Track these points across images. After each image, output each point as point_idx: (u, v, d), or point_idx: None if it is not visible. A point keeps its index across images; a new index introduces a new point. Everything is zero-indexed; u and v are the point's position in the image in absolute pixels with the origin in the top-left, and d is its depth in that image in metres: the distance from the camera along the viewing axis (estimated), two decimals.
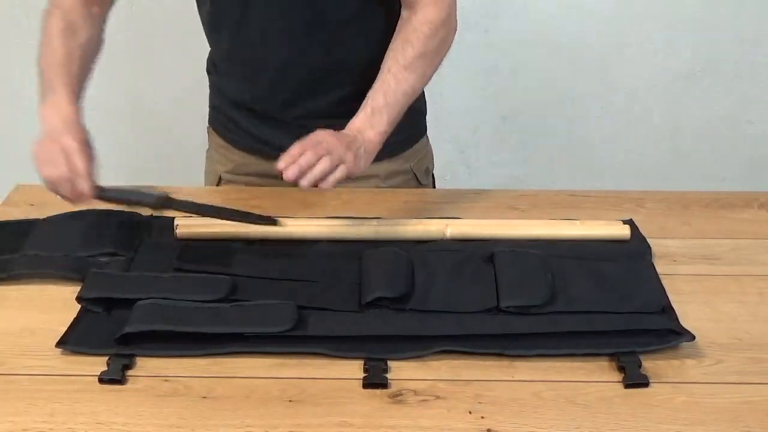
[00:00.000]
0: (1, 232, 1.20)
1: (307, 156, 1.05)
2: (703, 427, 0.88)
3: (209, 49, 1.40)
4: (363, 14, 1.24)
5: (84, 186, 1.06)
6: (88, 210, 1.23)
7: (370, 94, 1.18)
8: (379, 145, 1.16)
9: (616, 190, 1.36)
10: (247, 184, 1.41)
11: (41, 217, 1.22)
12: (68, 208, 1.24)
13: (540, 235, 1.18)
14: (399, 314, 1.03)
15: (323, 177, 1.06)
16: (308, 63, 1.27)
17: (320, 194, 1.35)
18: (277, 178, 1.39)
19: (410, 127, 1.41)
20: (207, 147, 1.50)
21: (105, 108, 2.31)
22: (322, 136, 1.09)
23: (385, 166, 1.38)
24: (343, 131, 1.14)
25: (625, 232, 1.19)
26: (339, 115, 1.29)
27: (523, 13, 2.22)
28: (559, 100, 2.35)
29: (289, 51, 1.24)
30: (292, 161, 1.05)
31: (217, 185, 1.44)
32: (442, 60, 1.24)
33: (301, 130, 1.34)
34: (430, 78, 1.23)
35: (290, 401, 0.91)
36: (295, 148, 1.06)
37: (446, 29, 1.22)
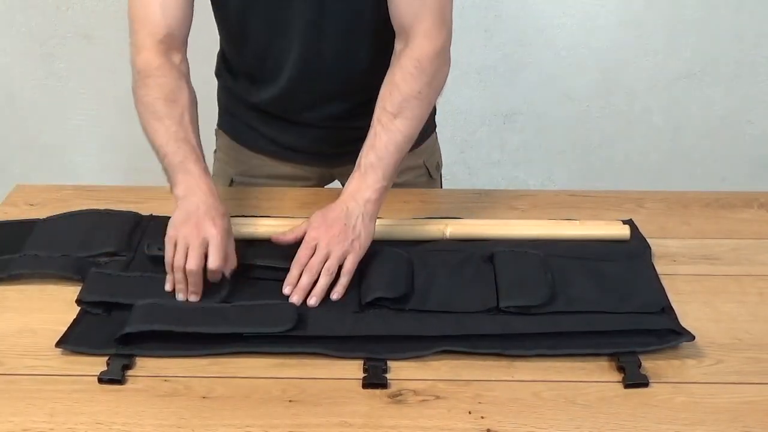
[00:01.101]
0: (1, 232, 1.20)
1: (305, 278, 1.05)
2: (703, 427, 0.88)
3: (216, 52, 1.39)
4: (386, 24, 1.21)
5: (197, 287, 1.03)
6: (88, 210, 1.23)
7: (363, 150, 1.13)
8: (380, 200, 1.12)
9: (616, 190, 1.36)
10: (259, 185, 1.40)
11: (41, 217, 1.22)
12: (67, 208, 1.25)
13: (540, 235, 1.18)
14: (399, 314, 1.03)
15: (326, 288, 1.05)
16: (329, 72, 1.25)
17: (320, 195, 1.35)
18: (292, 179, 1.40)
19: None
20: (214, 149, 1.49)
21: (108, 108, 2.32)
22: (314, 236, 1.06)
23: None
24: (336, 206, 1.10)
25: (625, 232, 1.19)
26: (355, 116, 1.29)
27: (523, 13, 2.22)
28: (559, 100, 2.35)
29: (312, 62, 1.23)
30: (293, 286, 1.05)
31: (230, 186, 1.43)
32: (437, 96, 1.19)
33: (317, 132, 1.34)
34: (425, 118, 1.17)
35: (290, 401, 0.91)
36: (294, 269, 1.05)
37: (437, 63, 1.15)
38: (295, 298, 1.04)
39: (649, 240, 1.19)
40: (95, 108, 2.33)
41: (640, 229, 1.21)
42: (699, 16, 2.21)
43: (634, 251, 1.16)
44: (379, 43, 1.23)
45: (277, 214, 1.24)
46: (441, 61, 1.16)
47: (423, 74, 1.13)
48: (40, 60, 2.25)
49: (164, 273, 1.07)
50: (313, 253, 1.06)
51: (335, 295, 1.05)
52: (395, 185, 1.41)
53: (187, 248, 1.03)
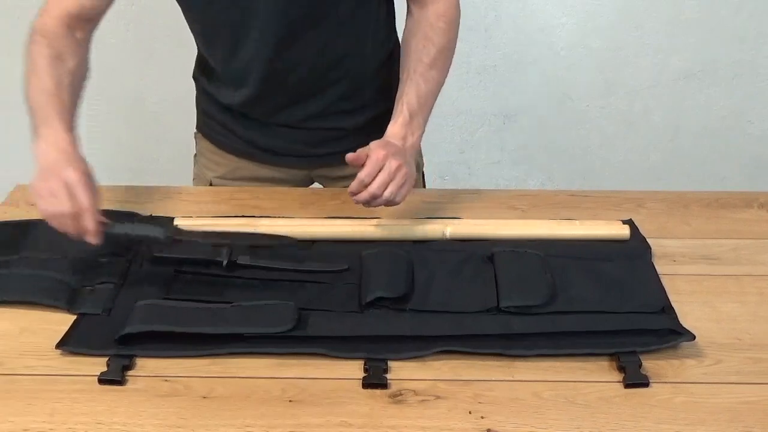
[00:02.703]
0: (1, 232, 1.20)
1: (374, 186, 1.10)
2: (703, 427, 0.88)
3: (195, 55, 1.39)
4: (356, 12, 1.24)
5: (89, 222, 1.03)
6: None
7: (403, 97, 1.20)
8: (418, 147, 1.20)
9: (616, 190, 1.36)
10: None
11: (41, 217, 1.22)
12: None
13: (540, 235, 1.18)
14: (399, 314, 1.03)
15: (391, 200, 1.11)
16: (302, 66, 1.26)
17: (320, 194, 1.35)
18: (271, 182, 1.40)
19: None
20: (194, 153, 1.49)
21: (104, 109, 2.32)
22: (382, 155, 1.11)
23: None
24: (391, 141, 1.16)
25: (624, 232, 1.19)
26: (331, 116, 1.30)
27: (523, 13, 2.22)
28: (559, 100, 2.35)
29: (284, 56, 1.24)
30: (363, 187, 1.10)
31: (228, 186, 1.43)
32: (455, 46, 1.27)
33: (293, 133, 1.34)
34: (450, 65, 1.26)
35: (290, 401, 0.91)
36: (363, 173, 1.10)
37: (458, 20, 1.26)
38: (361, 197, 1.10)
39: (649, 240, 1.19)
40: (95, 108, 2.32)
41: (640, 229, 1.21)
42: (699, 16, 2.21)
43: (634, 251, 1.16)
44: (354, 32, 1.25)
45: (277, 214, 1.24)
46: (459, 14, 1.26)
47: (450, 28, 1.24)
48: None
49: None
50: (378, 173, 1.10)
51: (397, 200, 1.12)
52: None
53: (55, 196, 1.03)
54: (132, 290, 1.06)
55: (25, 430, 0.87)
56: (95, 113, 2.33)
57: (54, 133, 1.09)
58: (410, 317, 1.02)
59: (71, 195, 1.03)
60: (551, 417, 0.89)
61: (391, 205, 1.14)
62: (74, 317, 1.02)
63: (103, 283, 1.08)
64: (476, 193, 1.34)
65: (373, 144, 1.13)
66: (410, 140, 1.18)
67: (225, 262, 1.10)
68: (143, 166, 2.39)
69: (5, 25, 2.21)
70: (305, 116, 1.32)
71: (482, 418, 0.89)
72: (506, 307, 1.03)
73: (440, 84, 1.24)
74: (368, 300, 1.03)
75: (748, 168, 2.44)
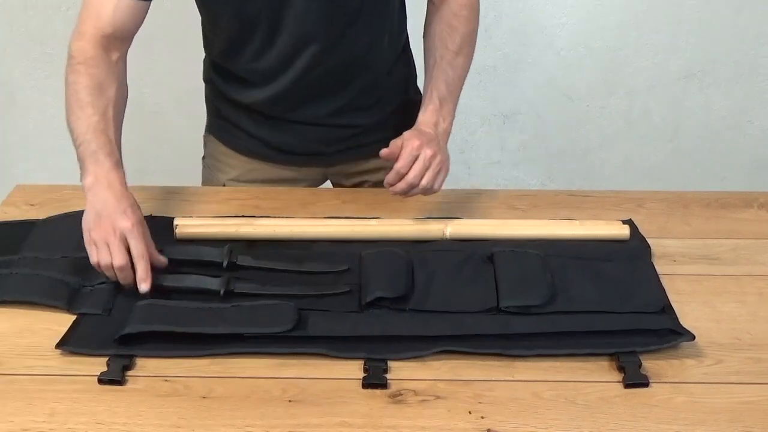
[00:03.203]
0: (1, 232, 1.20)
1: (411, 175, 1.12)
2: (703, 427, 0.88)
3: (204, 57, 1.39)
4: (379, 6, 1.26)
5: (142, 272, 1.03)
6: None
7: (432, 84, 1.23)
8: (450, 134, 1.22)
9: (616, 190, 1.36)
10: None
11: (41, 217, 1.22)
12: (67, 208, 1.24)
13: (540, 235, 1.18)
14: (399, 314, 1.03)
15: (429, 188, 1.13)
16: (328, 63, 1.26)
17: (320, 194, 1.35)
18: (285, 183, 1.40)
19: (415, 119, 1.43)
20: (202, 155, 1.48)
21: None
22: (416, 144, 1.12)
23: (376, 162, 1.39)
24: (423, 129, 1.18)
25: (624, 232, 1.19)
26: (349, 112, 1.30)
27: (523, 13, 2.22)
28: (559, 100, 2.35)
29: (313, 54, 1.23)
30: (400, 177, 1.12)
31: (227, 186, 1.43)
32: (476, 41, 1.30)
33: (311, 131, 1.34)
34: (474, 52, 1.29)
35: (290, 401, 0.91)
36: (399, 164, 1.11)
37: (478, 8, 1.29)
38: (399, 188, 1.12)
39: (649, 240, 1.19)
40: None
41: (640, 229, 1.21)
42: (699, 16, 2.21)
43: (634, 251, 1.16)
44: (377, 26, 1.26)
45: (277, 214, 1.24)
46: (479, 10, 1.29)
47: (473, 16, 1.28)
48: (40, 60, 2.25)
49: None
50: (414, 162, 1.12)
51: (433, 190, 1.14)
52: (379, 184, 1.41)
53: (108, 246, 1.03)
54: (132, 290, 1.06)
55: (25, 430, 0.87)
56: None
57: (103, 171, 1.08)
58: (410, 317, 1.02)
59: (124, 247, 1.03)
60: (551, 417, 0.89)
61: (428, 194, 1.16)
62: (74, 317, 1.02)
63: (103, 283, 1.08)
64: (476, 193, 1.34)
65: (407, 134, 1.15)
66: (442, 126, 1.20)
67: (225, 263, 1.10)
68: (143, 166, 2.38)
69: (5, 25, 2.21)
70: (325, 113, 1.32)
71: (482, 418, 0.89)
72: (506, 307, 1.03)
73: (466, 70, 1.27)
74: (368, 300, 1.03)
75: (748, 168, 2.44)
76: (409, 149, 1.12)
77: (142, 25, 1.22)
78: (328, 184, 1.49)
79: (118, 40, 1.19)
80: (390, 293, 1.04)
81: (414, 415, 0.89)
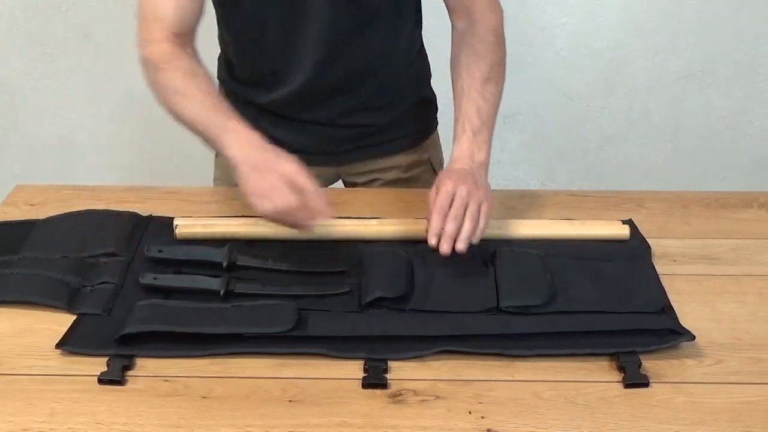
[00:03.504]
0: (1, 232, 1.20)
1: (451, 225, 1.05)
2: (703, 427, 0.88)
3: (217, 56, 1.38)
4: (396, 10, 1.24)
5: (320, 206, 1.02)
6: (87, 210, 1.23)
7: (462, 115, 1.17)
8: (488, 160, 1.17)
9: (616, 190, 1.36)
10: None
11: (41, 217, 1.22)
12: (67, 208, 1.24)
13: (540, 235, 1.18)
14: (399, 314, 1.03)
15: (473, 233, 1.06)
16: (345, 65, 1.26)
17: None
18: None
19: (427, 119, 1.43)
20: (215, 154, 1.48)
21: (108, 108, 2.32)
22: (451, 188, 1.08)
23: (406, 158, 1.41)
24: (459, 167, 1.13)
25: (624, 232, 1.19)
26: (362, 112, 1.30)
27: (523, 13, 2.22)
28: (559, 100, 2.35)
29: (331, 56, 1.23)
30: (437, 236, 1.05)
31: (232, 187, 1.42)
32: (506, 66, 1.25)
33: (323, 131, 1.34)
34: (504, 81, 1.23)
35: (290, 401, 0.91)
36: (435, 220, 1.06)
37: (503, 34, 1.24)
38: (445, 247, 1.04)
39: (649, 240, 1.19)
40: (95, 108, 2.33)
41: (640, 229, 1.21)
42: (699, 16, 2.21)
43: (634, 251, 1.16)
44: (391, 31, 1.25)
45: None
46: (504, 33, 1.24)
47: (500, 42, 1.23)
48: (40, 60, 2.25)
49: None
50: (451, 204, 1.07)
51: (475, 239, 1.06)
52: (400, 182, 1.41)
53: (278, 192, 1.01)
54: (132, 290, 1.06)
55: (25, 430, 0.87)
56: (95, 113, 2.34)
57: (242, 133, 1.07)
58: (410, 317, 1.02)
59: (296, 187, 1.02)
60: (551, 417, 0.89)
61: (478, 236, 1.07)
62: (74, 317, 1.02)
63: (103, 283, 1.08)
64: None
65: (439, 176, 1.11)
66: (478, 157, 1.15)
67: (225, 263, 1.10)
68: (143, 166, 2.39)
69: (5, 25, 2.21)
70: (338, 114, 1.32)
71: (482, 418, 0.89)
72: (506, 307, 1.03)
73: (498, 98, 1.21)
74: (368, 300, 1.03)
75: (748, 168, 2.44)
76: (442, 196, 1.07)
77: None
78: (339, 183, 1.49)
79: (187, 36, 1.19)
80: (390, 293, 1.04)
81: (414, 415, 0.89)
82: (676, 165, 2.44)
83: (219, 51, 1.39)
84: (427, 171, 1.45)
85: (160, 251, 1.11)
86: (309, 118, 1.33)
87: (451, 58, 1.24)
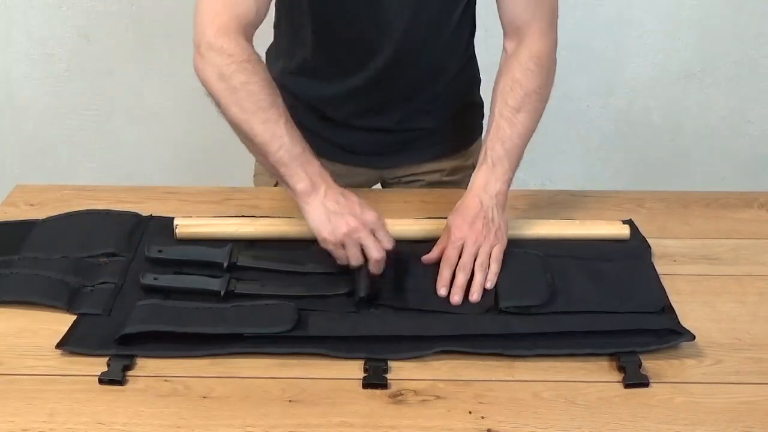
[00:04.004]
0: (1, 232, 1.20)
1: (461, 277, 1.05)
2: (703, 427, 0.88)
3: (267, 49, 1.36)
4: (459, 18, 1.24)
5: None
6: (87, 211, 1.23)
7: (488, 143, 1.15)
8: (508, 191, 1.14)
9: (616, 190, 1.36)
10: None
11: (41, 217, 1.22)
12: (67, 208, 1.25)
13: (540, 235, 1.18)
14: (399, 314, 1.03)
15: (483, 284, 1.05)
16: (411, 66, 1.25)
17: None
18: (339, 180, 1.38)
19: (474, 125, 1.42)
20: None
21: (108, 108, 2.32)
22: (460, 236, 1.06)
23: (451, 163, 1.41)
24: (470, 202, 1.11)
25: (624, 231, 1.19)
26: (415, 118, 1.29)
27: None
28: (559, 100, 2.34)
29: (398, 55, 1.22)
30: (447, 287, 1.04)
31: (275, 186, 1.38)
32: (550, 91, 1.22)
33: (374, 135, 1.34)
34: (542, 112, 1.20)
35: (290, 401, 0.91)
36: (445, 271, 1.05)
37: (552, 61, 1.21)
38: (456, 298, 1.03)
39: (649, 240, 1.19)
40: (95, 108, 2.33)
41: (640, 229, 1.21)
42: (699, 16, 2.21)
43: (634, 251, 1.16)
44: (455, 40, 1.25)
45: (276, 214, 1.24)
46: (554, 59, 1.21)
47: (542, 71, 1.18)
48: (40, 60, 2.25)
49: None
50: (461, 252, 1.06)
51: (488, 284, 1.05)
52: (443, 184, 1.39)
53: (359, 243, 1.01)
54: (132, 290, 1.06)
55: (25, 430, 0.87)
56: (95, 113, 2.33)
57: (317, 171, 1.05)
58: (410, 317, 1.02)
59: (377, 238, 1.03)
60: (551, 417, 0.89)
61: (492, 280, 1.06)
62: (74, 317, 1.02)
63: (103, 283, 1.08)
64: None
65: (449, 219, 1.10)
66: (494, 188, 1.12)
67: (225, 264, 1.10)
68: (143, 166, 2.39)
69: (5, 25, 2.21)
70: (396, 119, 1.32)
71: (482, 418, 0.89)
72: (506, 308, 1.03)
73: (529, 129, 1.17)
74: (360, 297, 1.03)
75: (748, 168, 2.44)
76: (449, 248, 1.06)
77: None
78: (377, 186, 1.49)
79: (254, 27, 1.11)
80: (390, 293, 1.04)
81: (414, 415, 0.89)
82: (676, 165, 2.44)
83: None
84: (470, 176, 1.45)
85: (160, 251, 1.11)
86: (365, 125, 1.32)
87: (495, 79, 1.21)
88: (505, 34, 1.22)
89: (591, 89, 2.32)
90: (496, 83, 1.20)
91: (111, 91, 2.28)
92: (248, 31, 1.09)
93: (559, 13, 1.23)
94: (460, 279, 1.05)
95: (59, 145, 2.39)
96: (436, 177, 1.41)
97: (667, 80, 2.30)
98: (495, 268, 1.07)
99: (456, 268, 1.06)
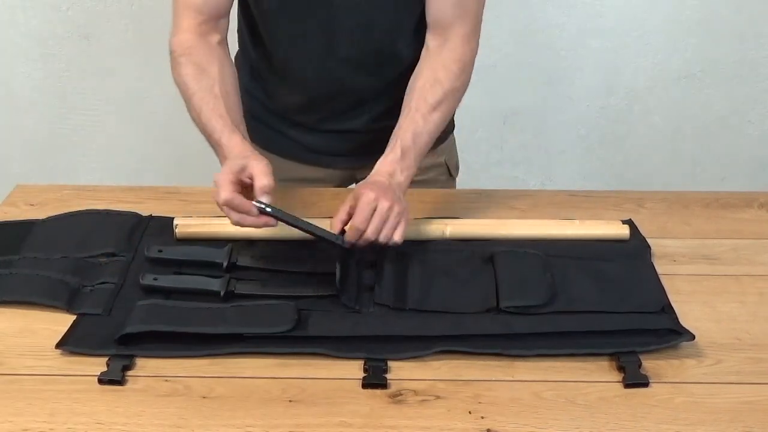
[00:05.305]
0: (1, 232, 1.20)
1: (372, 228, 1.05)
2: (703, 427, 0.88)
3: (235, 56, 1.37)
4: (415, 25, 1.24)
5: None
6: (87, 211, 1.23)
7: (399, 133, 1.16)
8: (407, 187, 1.14)
9: (616, 190, 1.36)
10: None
11: (41, 217, 1.22)
12: (67, 208, 1.25)
13: (540, 235, 1.18)
14: (399, 314, 1.03)
15: (391, 233, 1.06)
16: (360, 79, 1.26)
17: (320, 194, 1.35)
18: (316, 183, 1.40)
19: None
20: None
21: (108, 108, 2.32)
22: (373, 197, 1.06)
23: (422, 161, 1.39)
24: (377, 179, 1.12)
25: (624, 231, 1.19)
26: (385, 119, 1.28)
27: (523, 13, 2.22)
28: (559, 100, 2.35)
29: (356, 57, 1.24)
30: (359, 234, 1.05)
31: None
32: (463, 96, 1.24)
33: (344, 137, 1.35)
34: (453, 113, 1.22)
35: (290, 401, 0.91)
36: (356, 219, 1.05)
37: (472, 67, 1.23)
38: (361, 245, 1.05)
39: (649, 240, 1.19)
40: (95, 108, 2.33)
41: (640, 229, 1.21)
42: (699, 16, 2.21)
43: (633, 251, 1.16)
44: (419, 41, 1.24)
45: None
46: (473, 65, 1.24)
47: (462, 75, 1.21)
48: (40, 60, 2.25)
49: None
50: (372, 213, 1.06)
51: (398, 237, 1.06)
52: (417, 183, 1.40)
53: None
54: (132, 290, 1.06)
55: (25, 430, 0.87)
56: (95, 113, 2.34)
57: (223, 152, 1.10)
58: (410, 317, 1.02)
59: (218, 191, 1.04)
60: (551, 417, 0.89)
61: (390, 244, 1.08)
62: (74, 317, 1.02)
63: (103, 283, 1.08)
64: (476, 193, 1.34)
65: (359, 187, 1.10)
66: (398, 178, 1.12)
67: (225, 264, 1.10)
68: (143, 166, 2.39)
69: (5, 25, 2.21)
70: (362, 122, 1.33)
71: (482, 418, 0.89)
72: (506, 307, 1.03)
73: (440, 128, 1.20)
74: (359, 295, 1.03)
75: (748, 168, 2.44)
76: (364, 203, 1.05)
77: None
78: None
79: (213, 22, 1.20)
80: (390, 293, 1.04)
81: (414, 415, 0.89)
82: (676, 165, 2.44)
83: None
84: (443, 174, 1.45)
85: (160, 251, 1.11)
86: (330, 127, 1.33)
87: (413, 73, 1.22)
88: (429, 29, 1.22)
89: (591, 89, 2.32)
90: (417, 76, 1.21)
91: (111, 91, 2.28)
92: (207, 25, 1.19)
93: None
94: (369, 231, 1.05)
95: (59, 145, 2.39)
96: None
97: (667, 80, 2.31)
98: (402, 229, 1.07)
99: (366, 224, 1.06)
